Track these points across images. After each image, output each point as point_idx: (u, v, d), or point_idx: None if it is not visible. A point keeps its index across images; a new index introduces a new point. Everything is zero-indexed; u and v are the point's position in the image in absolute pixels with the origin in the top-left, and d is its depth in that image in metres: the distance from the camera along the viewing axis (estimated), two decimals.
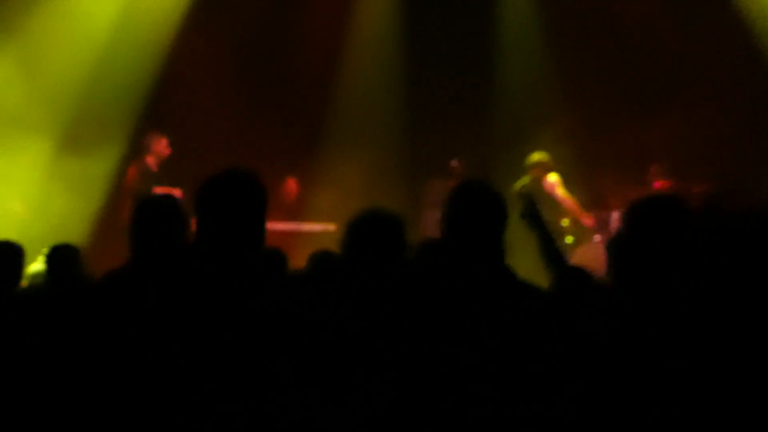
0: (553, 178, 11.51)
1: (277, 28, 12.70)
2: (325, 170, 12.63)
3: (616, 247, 4.09)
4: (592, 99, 12.50)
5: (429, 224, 11.11)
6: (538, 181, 11.42)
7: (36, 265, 6.58)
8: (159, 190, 10.65)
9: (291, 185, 12.21)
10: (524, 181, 11.34)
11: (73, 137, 11.66)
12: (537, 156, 11.55)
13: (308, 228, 11.66)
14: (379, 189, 11.62)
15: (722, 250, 3.67)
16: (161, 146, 11.21)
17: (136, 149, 11.37)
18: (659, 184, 11.45)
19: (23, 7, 11.69)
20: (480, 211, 3.87)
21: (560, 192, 11.47)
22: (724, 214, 4.25)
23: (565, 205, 11.42)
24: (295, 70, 12.80)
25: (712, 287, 3.64)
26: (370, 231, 4.09)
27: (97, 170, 11.61)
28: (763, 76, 12.05)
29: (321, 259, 4.96)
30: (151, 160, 11.15)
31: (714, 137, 11.64)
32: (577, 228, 11.26)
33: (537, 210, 4.92)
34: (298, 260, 6.02)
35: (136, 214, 4.18)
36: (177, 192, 10.03)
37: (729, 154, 11.45)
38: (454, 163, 11.48)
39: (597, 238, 11.04)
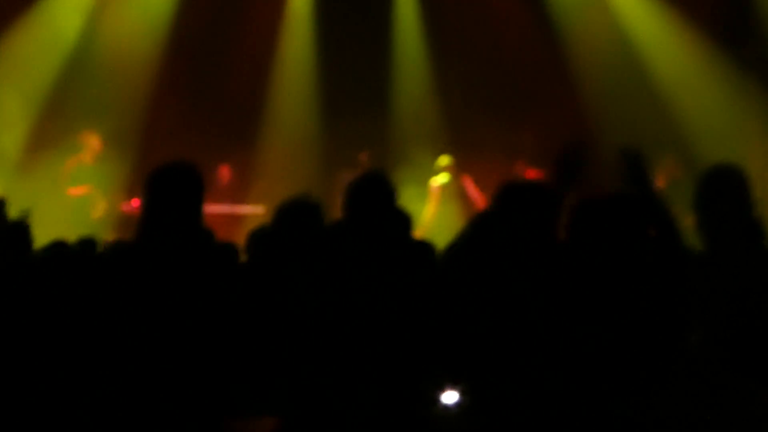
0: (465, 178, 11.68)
1: (211, 29, 12.78)
2: (254, 160, 12.79)
3: (479, 220, 4.21)
4: (471, 98, 12.82)
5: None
6: (457, 179, 11.73)
7: None
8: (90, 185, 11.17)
9: (224, 172, 12.37)
10: (444, 178, 11.62)
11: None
12: (447, 158, 11.79)
13: (240, 210, 11.83)
14: (300, 177, 11.60)
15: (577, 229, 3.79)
16: (94, 142, 11.47)
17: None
18: (531, 174, 11.54)
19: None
20: (369, 196, 4.17)
21: (473, 190, 11.71)
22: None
23: (478, 202, 11.47)
24: (226, 70, 12.85)
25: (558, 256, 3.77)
26: (295, 213, 4.39)
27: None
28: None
29: (259, 235, 4.80)
30: (86, 156, 11.44)
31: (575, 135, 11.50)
32: None
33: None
34: (235, 238, 5.73)
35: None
36: None
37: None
38: (363, 156, 11.82)
39: None
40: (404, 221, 4.41)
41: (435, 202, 11.72)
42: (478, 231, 4.01)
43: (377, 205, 4.18)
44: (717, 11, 11.95)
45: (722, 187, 4.15)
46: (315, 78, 13.26)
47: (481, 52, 12.85)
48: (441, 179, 11.79)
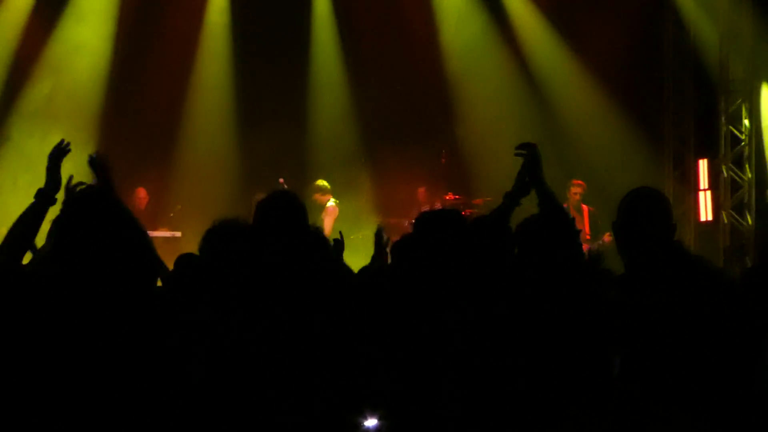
0: (332, 202, 11.57)
1: (127, 46, 12.80)
2: (170, 181, 12.72)
3: (401, 246, 4.34)
4: (387, 129, 12.89)
5: None
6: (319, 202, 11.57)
7: None
8: None
9: (141, 194, 12.12)
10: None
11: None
12: (321, 182, 11.72)
13: (158, 234, 11.43)
14: (217, 199, 11.75)
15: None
16: None
17: None
18: (450, 196, 11.71)
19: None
20: (279, 214, 4.30)
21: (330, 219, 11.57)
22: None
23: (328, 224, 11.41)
24: (142, 88, 12.73)
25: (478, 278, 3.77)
26: (223, 236, 4.23)
27: None
28: None
29: (186, 262, 4.68)
30: None
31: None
32: None
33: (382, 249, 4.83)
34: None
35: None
36: None
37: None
38: (281, 179, 11.57)
39: None
40: (316, 239, 4.29)
41: (331, 221, 11.61)
42: (398, 255, 4.12)
43: (286, 223, 4.23)
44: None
45: (643, 208, 4.10)
46: (231, 97, 13.27)
47: (393, 78, 12.95)
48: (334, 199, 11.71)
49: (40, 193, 4.30)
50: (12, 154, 11.99)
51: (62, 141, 4.56)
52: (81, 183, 4.60)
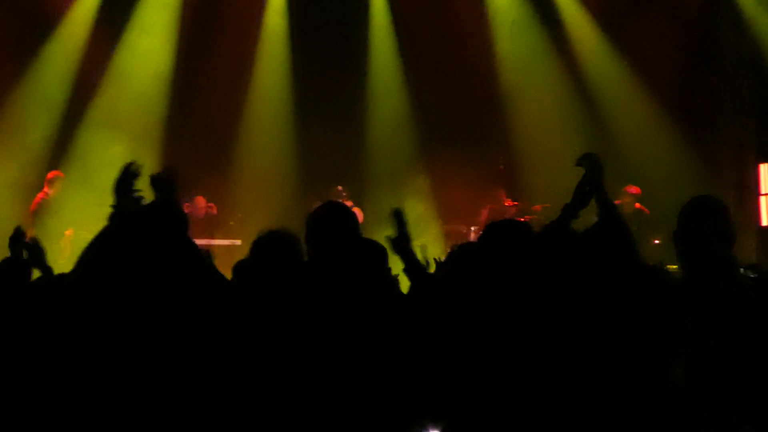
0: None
1: (191, 70, 12.88)
2: (231, 190, 12.77)
3: (463, 254, 4.22)
4: (444, 136, 12.82)
5: None
6: None
7: None
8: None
9: (200, 203, 12.16)
10: None
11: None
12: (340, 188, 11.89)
13: (218, 242, 11.53)
14: (276, 208, 11.63)
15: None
16: (56, 182, 11.36)
17: None
18: (509, 203, 11.82)
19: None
20: (332, 224, 4.27)
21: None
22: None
23: None
24: (200, 99, 12.74)
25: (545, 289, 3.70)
26: (271, 246, 4.21)
27: None
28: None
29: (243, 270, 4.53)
30: (49, 191, 11.29)
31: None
32: None
33: (405, 230, 4.67)
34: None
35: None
36: None
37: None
38: (339, 187, 11.80)
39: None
40: (372, 251, 4.27)
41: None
42: (460, 264, 4.00)
43: (339, 237, 4.20)
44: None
45: (703, 217, 4.09)
46: (290, 104, 13.29)
47: (449, 85, 12.96)
48: None
49: (112, 218, 4.19)
50: (78, 164, 12.11)
51: (132, 164, 4.46)
52: (134, 191, 4.50)
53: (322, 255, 4.19)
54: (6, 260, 5.31)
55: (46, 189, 11.38)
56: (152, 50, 12.79)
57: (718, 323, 3.72)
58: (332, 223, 4.29)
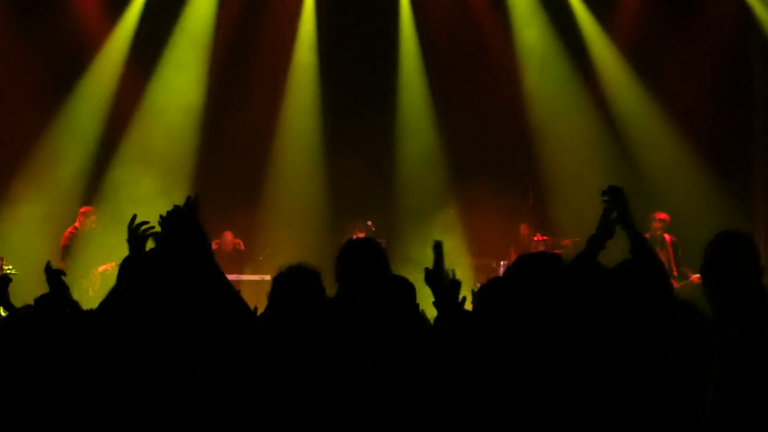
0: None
1: (222, 105, 12.97)
2: (260, 225, 12.77)
3: (491, 290, 4.26)
4: (473, 170, 12.86)
5: None
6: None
7: None
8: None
9: (228, 238, 12.16)
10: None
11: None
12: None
13: (247, 278, 11.48)
14: (305, 243, 11.67)
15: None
16: (88, 217, 11.39)
17: None
18: (538, 237, 11.72)
19: None
20: (361, 258, 4.31)
21: None
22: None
23: None
24: (236, 134, 12.85)
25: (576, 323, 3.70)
26: (293, 282, 4.28)
27: None
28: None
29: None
30: (80, 225, 11.30)
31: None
32: None
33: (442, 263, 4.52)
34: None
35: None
36: None
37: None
38: (368, 222, 11.78)
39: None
40: (400, 287, 4.30)
41: None
42: (488, 299, 4.05)
43: (368, 273, 4.23)
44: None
45: (729, 252, 4.05)
46: (319, 139, 13.30)
47: (484, 115, 12.95)
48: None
49: (122, 266, 4.19)
50: (109, 198, 12.16)
51: (134, 218, 4.52)
52: (149, 227, 4.54)
53: (352, 291, 4.20)
54: (44, 296, 5.10)
55: (77, 223, 11.42)
56: (183, 86, 12.86)
57: (748, 358, 3.74)
58: (362, 260, 4.31)
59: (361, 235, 11.05)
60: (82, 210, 11.56)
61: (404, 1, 13.09)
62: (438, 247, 4.52)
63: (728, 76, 12.42)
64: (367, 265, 4.29)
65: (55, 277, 5.50)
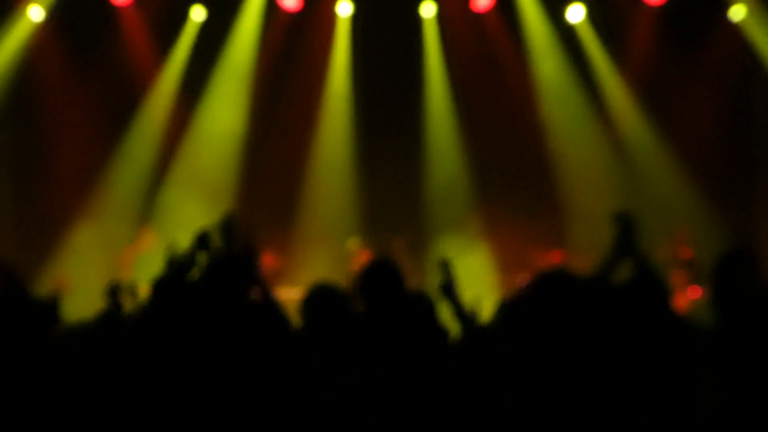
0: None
1: (262, 132, 12.98)
2: (297, 244, 12.65)
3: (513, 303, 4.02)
4: (497, 191, 12.81)
5: None
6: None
7: None
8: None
9: (267, 259, 11.42)
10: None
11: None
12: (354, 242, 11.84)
13: (285, 292, 10.73)
14: (338, 261, 11.69)
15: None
16: (145, 237, 11.51)
17: None
18: (556, 255, 11.65)
19: None
20: (378, 283, 4.29)
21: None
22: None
23: None
24: (275, 159, 12.83)
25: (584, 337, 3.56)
26: (319, 301, 4.28)
27: None
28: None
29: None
30: (138, 246, 11.42)
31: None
32: None
33: (451, 280, 4.51)
34: None
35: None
36: None
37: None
38: (398, 240, 11.55)
39: None
40: (418, 304, 4.31)
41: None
42: (511, 318, 3.86)
43: (387, 292, 4.22)
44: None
45: (732, 268, 4.08)
46: (351, 163, 13.21)
47: (505, 140, 13.00)
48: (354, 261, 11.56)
49: (155, 285, 4.13)
50: (158, 220, 12.27)
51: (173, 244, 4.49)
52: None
53: (373, 310, 4.21)
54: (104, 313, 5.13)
55: (135, 244, 11.60)
56: (227, 114, 12.98)
57: (753, 370, 3.73)
58: (379, 281, 4.31)
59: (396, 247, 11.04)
60: (140, 231, 11.74)
61: (431, 35, 13.07)
62: (443, 266, 4.50)
63: (731, 109, 12.47)
64: (384, 284, 4.29)
65: (114, 292, 5.51)
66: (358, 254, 11.64)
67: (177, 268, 4.17)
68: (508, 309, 4.08)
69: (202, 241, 4.43)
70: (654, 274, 4.22)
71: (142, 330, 3.88)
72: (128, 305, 5.80)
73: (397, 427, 3.65)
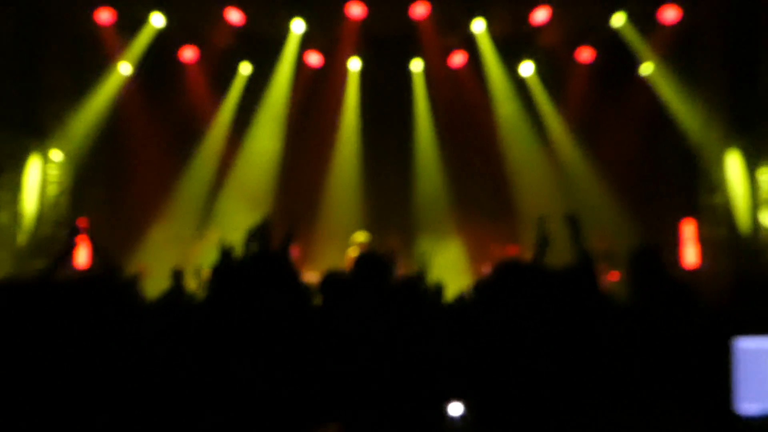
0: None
1: (294, 151, 12.86)
2: (318, 237, 12.46)
3: (481, 284, 4.29)
4: (469, 200, 12.80)
5: None
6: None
7: None
8: None
9: (295, 252, 11.33)
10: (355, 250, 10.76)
11: None
12: (362, 235, 11.35)
13: (308, 277, 10.75)
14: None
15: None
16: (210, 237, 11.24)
17: None
18: (512, 249, 11.50)
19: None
20: (366, 268, 4.21)
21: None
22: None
23: None
24: (303, 173, 12.75)
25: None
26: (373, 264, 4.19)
27: None
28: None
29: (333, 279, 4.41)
30: (203, 243, 11.23)
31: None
32: None
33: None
34: None
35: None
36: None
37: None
38: (393, 237, 11.32)
39: None
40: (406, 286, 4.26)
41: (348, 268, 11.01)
42: (481, 294, 3.99)
43: (377, 276, 4.14)
44: None
45: (644, 257, 4.11)
46: (360, 174, 13.10)
47: (475, 162, 13.00)
48: (353, 251, 11.33)
49: (215, 270, 3.89)
50: (217, 223, 12.20)
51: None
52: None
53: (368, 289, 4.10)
54: (169, 291, 5.27)
55: (201, 242, 11.53)
56: (267, 140, 12.93)
57: (658, 331, 3.72)
58: (372, 269, 4.23)
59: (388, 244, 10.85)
60: (204, 230, 11.73)
61: (419, 84, 13.06)
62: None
63: (642, 139, 12.47)
64: (375, 273, 4.19)
65: (177, 276, 5.38)
66: (358, 246, 11.47)
67: (229, 257, 4.09)
68: (478, 288, 4.31)
69: (249, 237, 4.45)
70: (590, 261, 4.33)
71: (204, 302, 3.79)
72: (192, 285, 5.78)
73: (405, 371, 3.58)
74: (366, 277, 4.16)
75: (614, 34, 11.68)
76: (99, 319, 3.36)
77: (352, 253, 11.10)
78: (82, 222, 11.24)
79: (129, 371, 3.26)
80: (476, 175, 12.98)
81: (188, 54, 12.58)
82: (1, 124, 10.54)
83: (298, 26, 11.82)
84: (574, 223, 4.51)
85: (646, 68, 12.12)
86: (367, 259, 4.31)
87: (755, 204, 10.90)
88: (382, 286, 4.09)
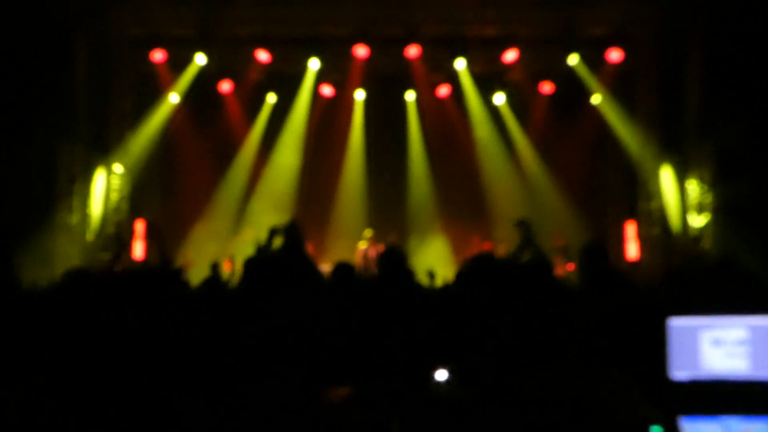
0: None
1: (310, 162, 12.62)
2: (330, 232, 12.47)
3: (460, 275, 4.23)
4: (453, 204, 12.69)
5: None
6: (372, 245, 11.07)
7: None
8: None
9: (309, 246, 11.19)
10: (364, 244, 10.76)
11: None
12: (370, 231, 11.25)
13: (322, 268, 10.79)
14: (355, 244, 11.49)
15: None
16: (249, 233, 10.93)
17: None
18: (487, 245, 11.56)
19: None
20: (390, 259, 4.03)
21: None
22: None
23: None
24: (318, 180, 12.60)
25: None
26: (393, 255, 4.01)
27: None
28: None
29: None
30: (243, 237, 10.89)
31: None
32: None
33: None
34: None
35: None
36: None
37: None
38: (392, 235, 11.34)
39: None
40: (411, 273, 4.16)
41: (359, 259, 11.06)
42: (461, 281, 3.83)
43: (399, 265, 4.03)
44: None
45: (592, 252, 4.04)
46: (365, 182, 12.96)
47: (458, 174, 12.89)
48: (363, 244, 11.21)
49: (247, 263, 3.60)
50: (249, 221, 12.10)
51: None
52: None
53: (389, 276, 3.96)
54: (208, 279, 5.05)
55: (236, 238, 11.44)
56: (290, 155, 12.84)
57: (603, 312, 3.55)
58: (393, 260, 4.07)
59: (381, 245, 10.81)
60: (245, 227, 11.62)
61: (412, 111, 13.03)
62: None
63: (592, 155, 12.45)
64: (395, 261, 4.05)
65: (215, 266, 5.28)
66: (365, 242, 11.49)
67: (260, 251, 4.11)
68: (459, 277, 4.14)
69: (271, 233, 4.41)
70: (544, 257, 4.35)
71: (238, 289, 3.66)
72: (226, 275, 5.69)
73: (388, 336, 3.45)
74: (394, 265, 3.98)
75: (570, 70, 11.73)
76: (153, 303, 3.28)
77: (362, 245, 11.13)
78: (138, 223, 11.33)
79: (177, 345, 3.08)
80: (458, 184, 12.92)
81: (225, 86, 12.55)
82: (77, 142, 10.68)
83: (314, 64, 11.84)
84: (527, 227, 4.44)
85: (596, 98, 12.11)
86: (393, 251, 4.18)
87: (684, 208, 10.99)
88: (402, 273, 3.93)
